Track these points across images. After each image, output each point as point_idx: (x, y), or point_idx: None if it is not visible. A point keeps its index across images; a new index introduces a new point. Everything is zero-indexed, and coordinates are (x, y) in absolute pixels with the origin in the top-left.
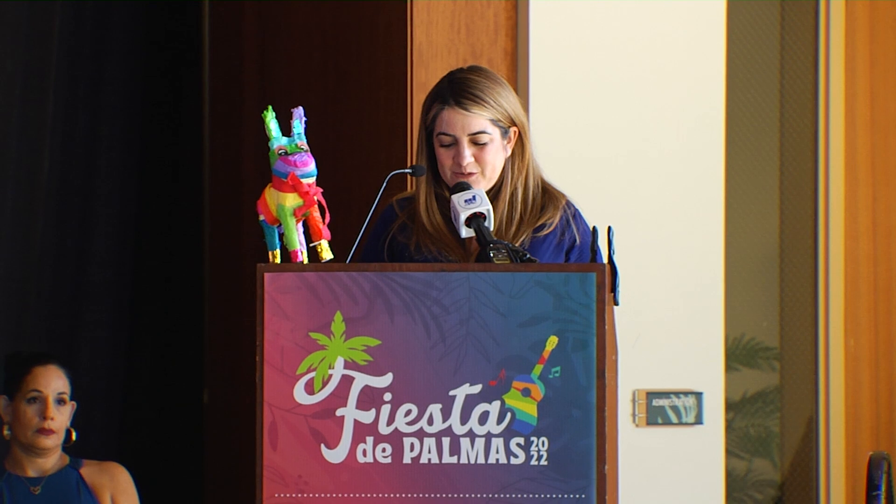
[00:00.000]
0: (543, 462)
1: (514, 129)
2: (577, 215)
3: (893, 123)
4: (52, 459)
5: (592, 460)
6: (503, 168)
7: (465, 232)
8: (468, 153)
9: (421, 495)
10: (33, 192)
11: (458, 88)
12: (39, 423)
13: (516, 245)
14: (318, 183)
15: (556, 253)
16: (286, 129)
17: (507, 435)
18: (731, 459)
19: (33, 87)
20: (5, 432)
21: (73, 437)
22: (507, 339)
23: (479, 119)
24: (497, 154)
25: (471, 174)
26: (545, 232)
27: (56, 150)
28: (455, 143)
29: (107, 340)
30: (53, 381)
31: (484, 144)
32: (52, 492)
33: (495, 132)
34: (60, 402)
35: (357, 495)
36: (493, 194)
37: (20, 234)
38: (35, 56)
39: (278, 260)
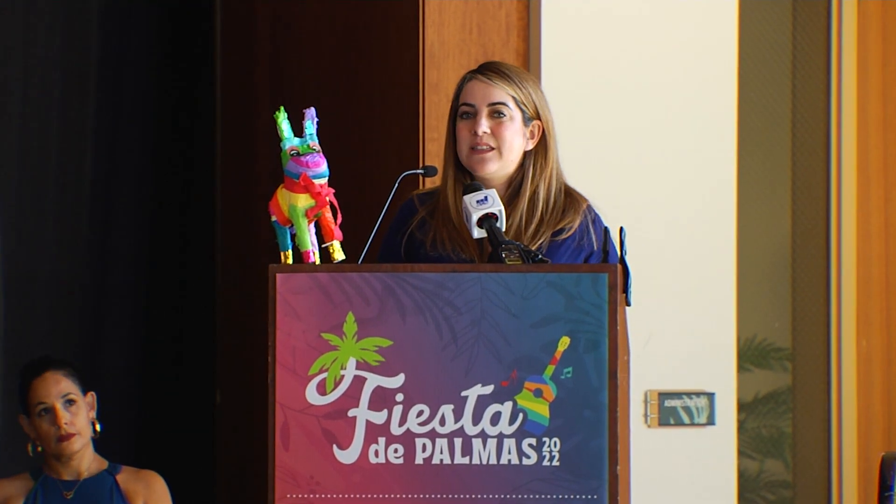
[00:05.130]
0: (555, 463)
1: (537, 122)
2: (596, 220)
3: None
4: (85, 461)
5: (604, 461)
6: (524, 164)
7: (477, 232)
8: (485, 123)
9: (433, 496)
10: (52, 193)
11: (486, 64)
12: (56, 431)
13: (534, 247)
14: (330, 183)
15: (574, 257)
16: (298, 130)
17: (518, 435)
18: (743, 460)
19: (70, 89)
20: (28, 449)
21: (97, 427)
22: (518, 339)
23: (500, 91)
24: (516, 136)
25: (487, 149)
26: (564, 236)
27: (75, 152)
28: (474, 116)
29: (124, 341)
30: (54, 388)
31: (502, 119)
32: (85, 497)
33: (516, 113)
34: (70, 402)
35: (369, 496)
36: (514, 192)
37: (41, 234)
38: (72, 58)
39: (290, 260)
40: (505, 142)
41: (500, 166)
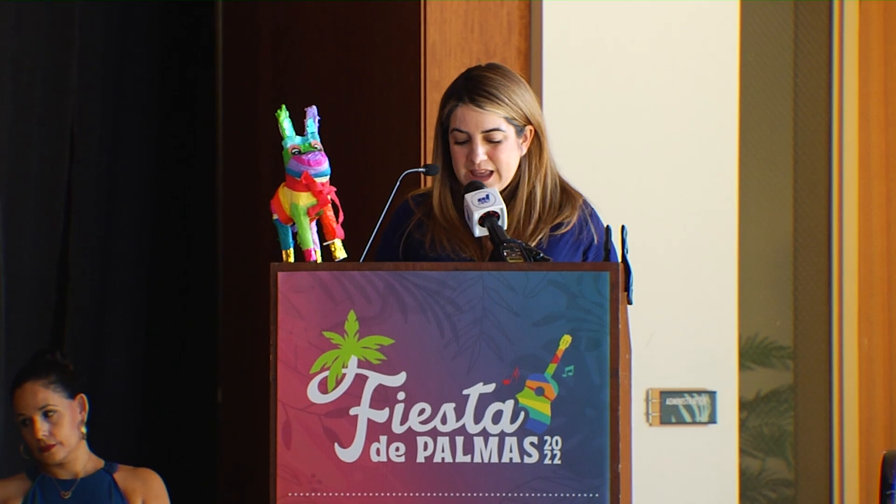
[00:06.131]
0: (557, 461)
1: (529, 127)
2: (593, 215)
3: None
4: (80, 462)
5: (606, 459)
6: (519, 167)
7: (479, 231)
8: (481, 150)
9: (434, 494)
10: (54, 192)
11: (474, 86)
12: (38, 443)
13: (533, 243)
14: (332, 182)
15: (573, 252)
16: (300, 128)
17: (520, 434)
18: (744, 458)
19: (54, 88)
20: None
21: (83, 430)
22: (520, 338)
23: (493, 117)
24: (511, 153)
25: (486, 173)
26: (562, 231)
27: (76, 150)
28: (469, 141)
29: (125, 340)
30: (31, 400)
31: (498, 143)
32: (83, 496)
33: (510, 130)
34: (49, 413)
35: (370, 494)
36: (510, 193)
37: (44, 234)
38: (55, 57)
39: (292, 259)
40: (502, 163)
41: (499, 185)
